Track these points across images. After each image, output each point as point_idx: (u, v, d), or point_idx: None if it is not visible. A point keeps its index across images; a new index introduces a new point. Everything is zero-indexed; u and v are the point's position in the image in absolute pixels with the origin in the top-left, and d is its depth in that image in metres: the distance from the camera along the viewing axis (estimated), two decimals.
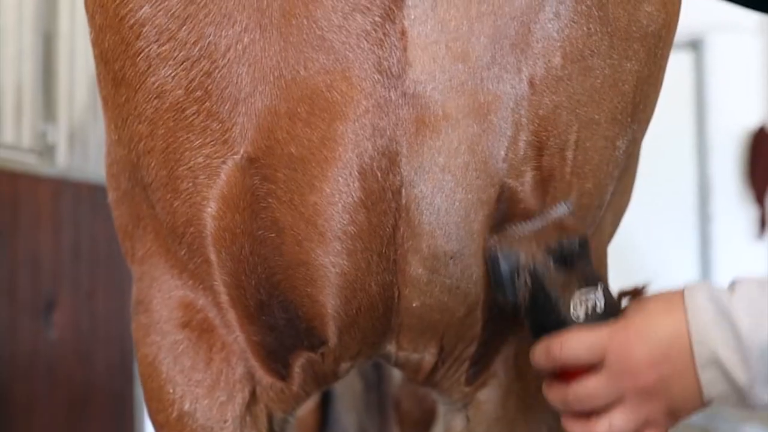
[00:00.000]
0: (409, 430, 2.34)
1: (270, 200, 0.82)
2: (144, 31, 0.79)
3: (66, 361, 3.20)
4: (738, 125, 6.20)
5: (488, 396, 1.01)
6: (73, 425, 3.22)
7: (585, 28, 0.80)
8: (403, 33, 0.76)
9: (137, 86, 0.82)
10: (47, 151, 3.36)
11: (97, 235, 3.39)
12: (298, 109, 0.78)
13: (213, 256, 0.87)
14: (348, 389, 2.16)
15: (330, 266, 0.83)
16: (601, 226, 1.02)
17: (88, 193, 3.38)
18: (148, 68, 0.81)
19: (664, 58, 0.94)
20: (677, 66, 6.40)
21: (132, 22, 0.80)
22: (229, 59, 0.77)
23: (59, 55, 3.44)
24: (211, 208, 0.84)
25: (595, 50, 0.82)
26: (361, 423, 2.18)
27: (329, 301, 0.86)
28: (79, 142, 3.56)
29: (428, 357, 0.97)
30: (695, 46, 6.20)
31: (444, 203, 0.81)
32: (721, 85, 6.10)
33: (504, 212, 0.84)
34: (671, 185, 6.28)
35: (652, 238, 6.38)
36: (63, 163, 3.45)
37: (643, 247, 6.35)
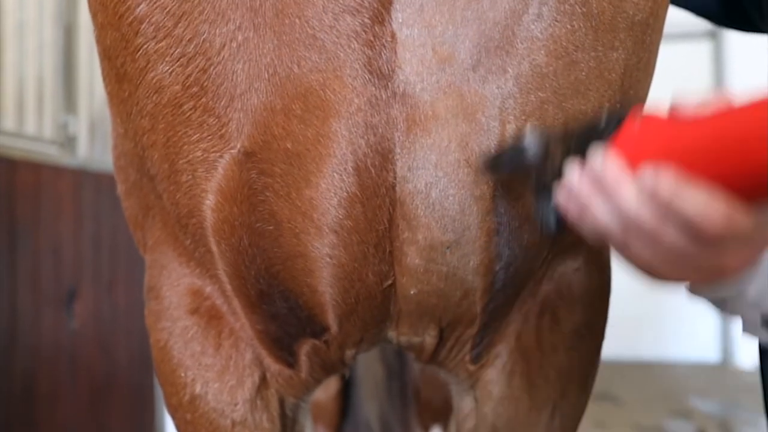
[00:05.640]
0: (428, 419, 2.34)
1: (267, 194, 0.83)
2: (142, 28, 0.82)
3: (87, 351, 3.22)
4: None
5: (493, 376, 1.04)
6: (95, 414, 3.25)
7: (568, 26, 0.82)
8: (393, 35, 0.78)
9: (138, 82, 0.85)
10: (68, 142, 3.38)
11: (117, 225, 3.42)
12: (293, 106, 0.79)
13: (214, 247, 0.90)
14: (370, 377, 2.17)
15: (327, 258, 0.85)
16: None
17: (109, 184, 3.39)
18: (147, 64, 0.83)
19: (654, 44, 0.95)
20: (696, 56, 6.32)
21: (131, 19, 0.82)
22: (223, 56, 0.79)
23: (80, 48, 3.46)
24: (210, 201, 0.86)
25: (579, 45, 0.83)
26: (382, 411, 2.19)
27: (328, 290, 0.88)
28: (99, 134, 3.59)
29: (429, 339, 1.00)
30: (714, 35, 6.13)
31: (439, 198, 0.83)
32: (740, 75, 6.02)
33: (505, 209, 0.86)
34: None
35: None
36: (84, 154, 3.48)
37: None
